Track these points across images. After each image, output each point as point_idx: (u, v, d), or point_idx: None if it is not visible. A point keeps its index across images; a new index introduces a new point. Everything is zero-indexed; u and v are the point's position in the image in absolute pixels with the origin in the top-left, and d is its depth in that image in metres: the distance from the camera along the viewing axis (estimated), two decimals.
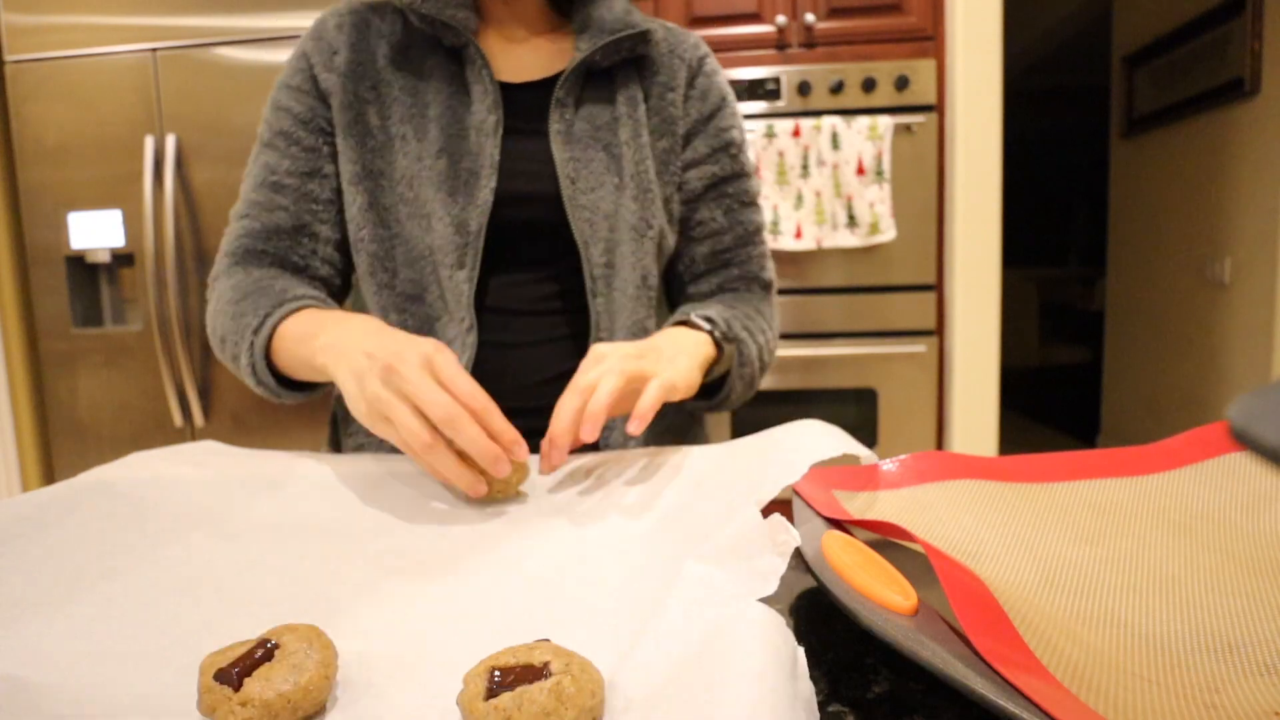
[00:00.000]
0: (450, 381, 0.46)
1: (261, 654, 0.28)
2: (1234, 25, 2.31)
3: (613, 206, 0.68)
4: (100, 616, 0.35)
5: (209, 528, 0.46)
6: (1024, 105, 4.41)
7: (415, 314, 0.68)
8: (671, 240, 0.75)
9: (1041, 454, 0.46)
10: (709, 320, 0.64)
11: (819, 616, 0.34)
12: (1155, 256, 2.83)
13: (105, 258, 1.89)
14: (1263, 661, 0.27)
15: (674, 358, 0.57)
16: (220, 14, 1.80)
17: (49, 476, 2.04)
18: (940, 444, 1.95)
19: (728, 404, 0.70)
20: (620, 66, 0.71)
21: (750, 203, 0.76)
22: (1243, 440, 0.14)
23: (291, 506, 0.49)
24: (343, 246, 0.72)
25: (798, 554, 0.34)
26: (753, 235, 0.76)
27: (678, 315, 0.68)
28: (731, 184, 0.75)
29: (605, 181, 0.68)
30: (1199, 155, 2.54)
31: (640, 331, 0.71)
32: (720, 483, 0.46)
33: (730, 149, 0.75)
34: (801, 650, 0.26)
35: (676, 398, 0.54)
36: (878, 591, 0.29)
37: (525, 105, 0.69)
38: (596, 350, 0.53)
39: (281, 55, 1.78)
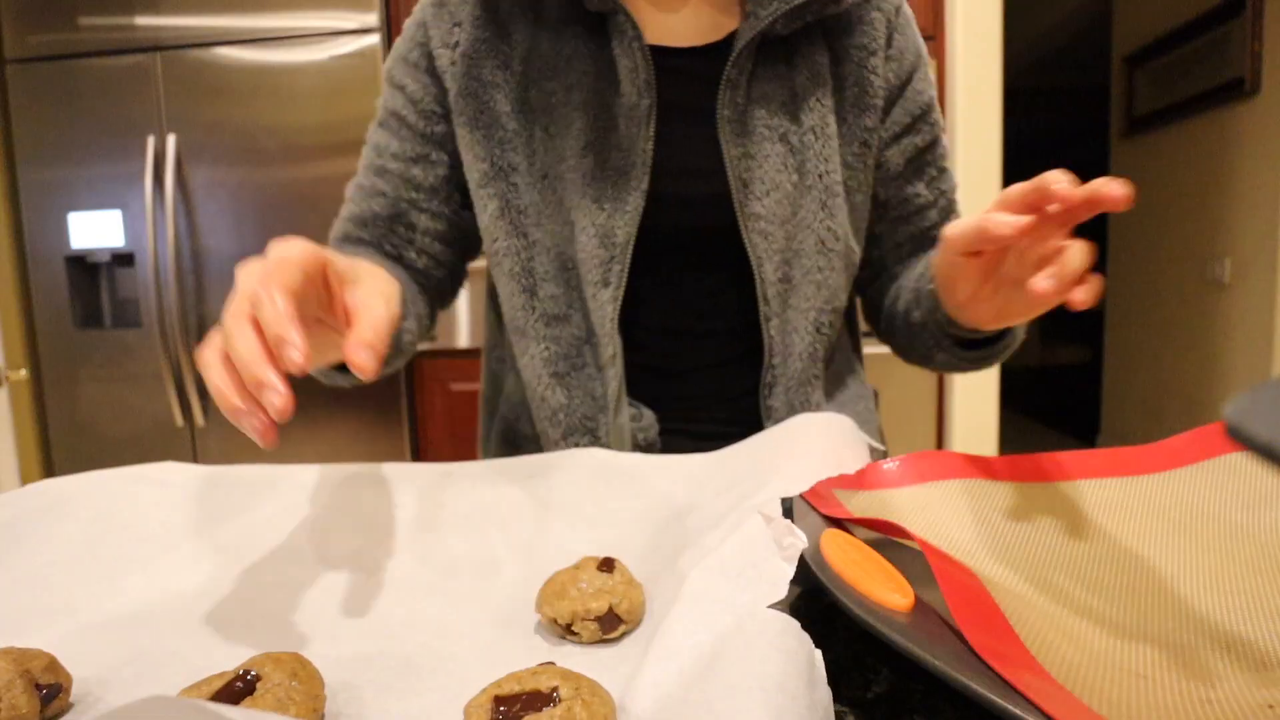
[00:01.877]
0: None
1: (241, 687, 0.26)
2: (1234, 25, 2.31)
3: (790, 210, 0.57)
4: (59, 653, 0.33)
5: (173, 553, 0.43)
6: (1024, 105, 4.41)
7: (561, 339, 0.59)
8: (857, 254, 0.63)
9: (1041, 454, 0.46)
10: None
11: (819, 616, 0.34)
12: (1155, 256, 2.83)
13: (105, 258, 1.89)
14: (1260, 659, 0.27)
15: None
16: (220, 14, 1.80)
17: (49, 476, 2.04)
18: (940, 444, 1.95)
19: (998, 358, 0.60)
20: (803, 30, 0.57)
21: (947, 167, 0.66)
22: (1237, 437, 0.14)
23: (263, 528, 0.46)
24: (447, 238, 0.64)
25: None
26: (954, 203, 0.66)
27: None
28: (931, 151, 0.64)
29: (783, 181, 0.57)
30: (1199, 155, 2.54)
31: (814, 361, 0.61)
32: (722, 488, 0.44)
33: (930, 114, 0.63)
34: (819, 654, 0.25)
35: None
36: (875, 589, 0.29)
37: (684, 77, 0.57)
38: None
39: (281, 55, 1.79)
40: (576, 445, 0.59)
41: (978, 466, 0.46)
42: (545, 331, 0.60)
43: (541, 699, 0.24)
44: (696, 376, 0.62)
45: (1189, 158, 2.60)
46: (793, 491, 0.35)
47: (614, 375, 0.58)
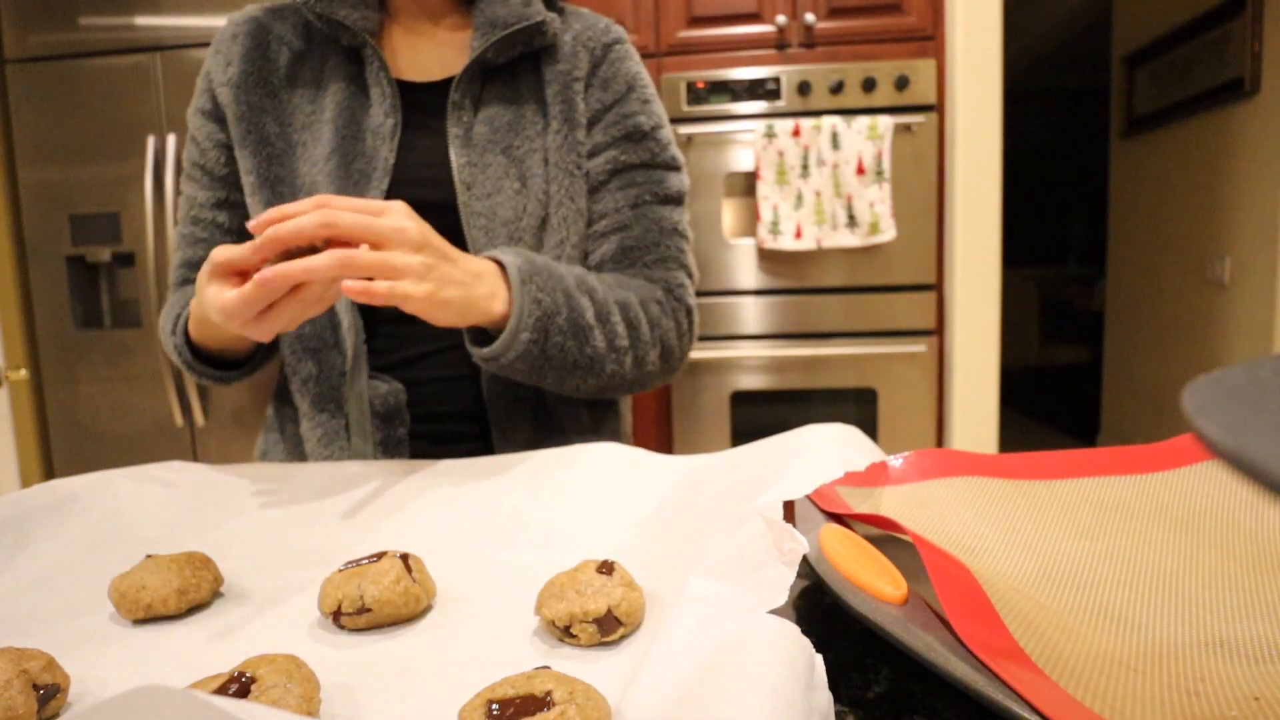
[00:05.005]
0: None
1: (235, 689, 0.25)
2: (1234, 25, 2.31)
3: (513, 212, 0.65)
4: (59, 654, 0.33)
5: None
6: (1024, 105, 4.41)
7: (315, 320, 0.66)
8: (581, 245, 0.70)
9: (1045, 451, 0.46)
10: (502, 263, 0.57)
11: (819, 615, 0.34)
12: (1155, 256, 2.83)
13: (105, 258, 1.89)
14: (1252, 654, 0.27)
15: (465, 282, 0.52)
16: (220, 14, 1.80)
17: (49, 476, 2.04)
18: (940, 444, 1.95)
19: (515, 367, 0.58)
20: (522, 61, 0.68)
21: (666, 199, 0.70)
22: (1191, 429, 0.14)
23: (264, 528, 0.46)
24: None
25: None
26: (667, 234, 0.70)
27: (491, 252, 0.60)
28: (640, 173, 0.70)
29: (504, 186, 0.66)
30: (1199, 155, 2.54)
31: None
32: (722, 493, 0.44)
33: (634, 135, 0.69)
34: (820, 659, 0.25)
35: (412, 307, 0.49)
36: (869, 581, 0.30)
37: (426, 105, 0.67)
38: (411, 224, 0.49)
39: None
40: (325, 414, 0.66)
41: (981, 464, 0.46)
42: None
43: (535, 703, 0.24)
44: (428, 361, 0.68)
45: (1189, 157, 2.60)
46: (795, 495, 0.35)
47: (351, 343, 0.65)
